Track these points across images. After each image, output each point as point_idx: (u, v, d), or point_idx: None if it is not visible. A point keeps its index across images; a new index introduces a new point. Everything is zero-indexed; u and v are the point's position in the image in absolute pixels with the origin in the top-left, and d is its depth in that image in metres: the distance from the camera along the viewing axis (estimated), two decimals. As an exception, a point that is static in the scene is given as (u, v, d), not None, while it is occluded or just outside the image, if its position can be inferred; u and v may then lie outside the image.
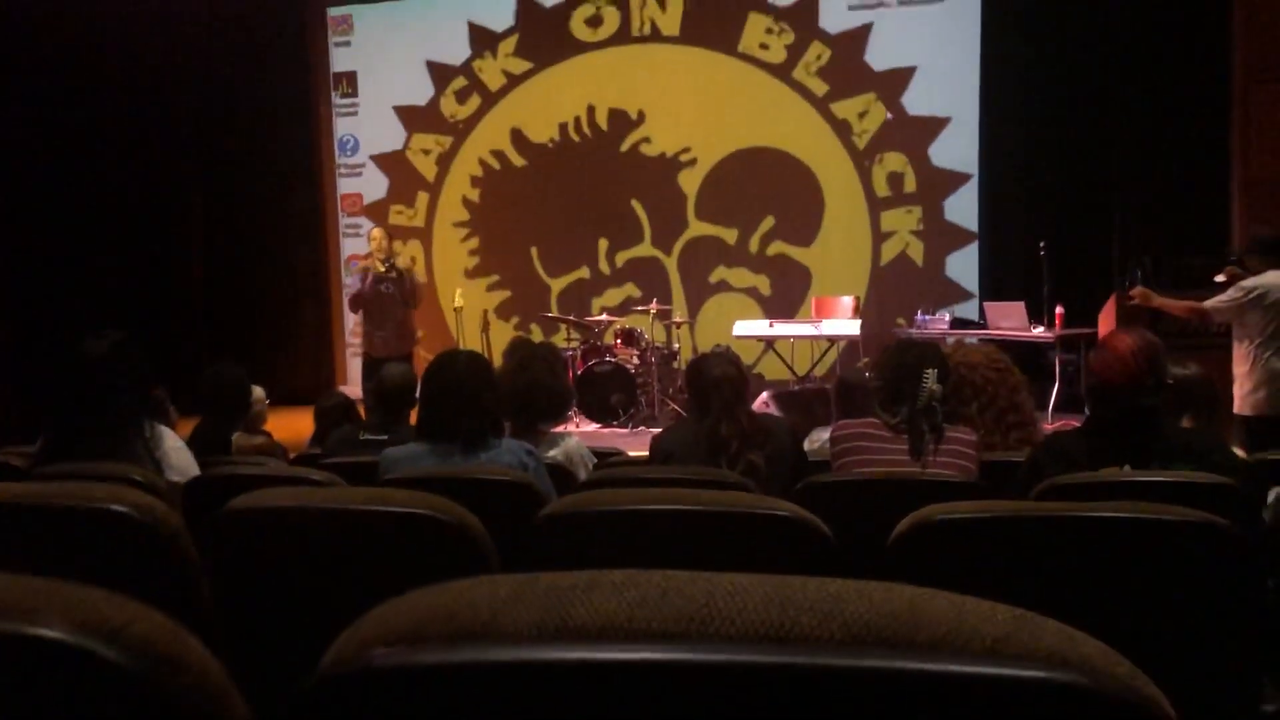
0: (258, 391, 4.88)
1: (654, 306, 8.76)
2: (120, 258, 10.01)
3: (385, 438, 3.75)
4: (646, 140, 10.54)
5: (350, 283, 7.94)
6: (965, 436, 2.92)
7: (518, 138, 10.85)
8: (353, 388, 8.79)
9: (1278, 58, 8.11)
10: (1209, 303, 5.27)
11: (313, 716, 0.63)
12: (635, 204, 10.58)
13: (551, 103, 10.74)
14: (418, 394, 3.26)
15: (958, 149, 9.73)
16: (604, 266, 10.71)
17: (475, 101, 10.94)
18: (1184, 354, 4.25)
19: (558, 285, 10.82)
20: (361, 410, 5.97)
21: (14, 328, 8.94)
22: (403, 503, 1.68)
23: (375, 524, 1.70)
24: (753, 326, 8.81)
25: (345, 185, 11.33)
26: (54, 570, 0.71)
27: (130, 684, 0.64)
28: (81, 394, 2.92)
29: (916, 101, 9.85)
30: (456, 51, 10.92)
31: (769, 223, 10.25)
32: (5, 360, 8.83)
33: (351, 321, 8.20)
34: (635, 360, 8.37)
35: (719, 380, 3.15)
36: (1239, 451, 3.02)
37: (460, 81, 10.95)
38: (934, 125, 9.81)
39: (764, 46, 10.21)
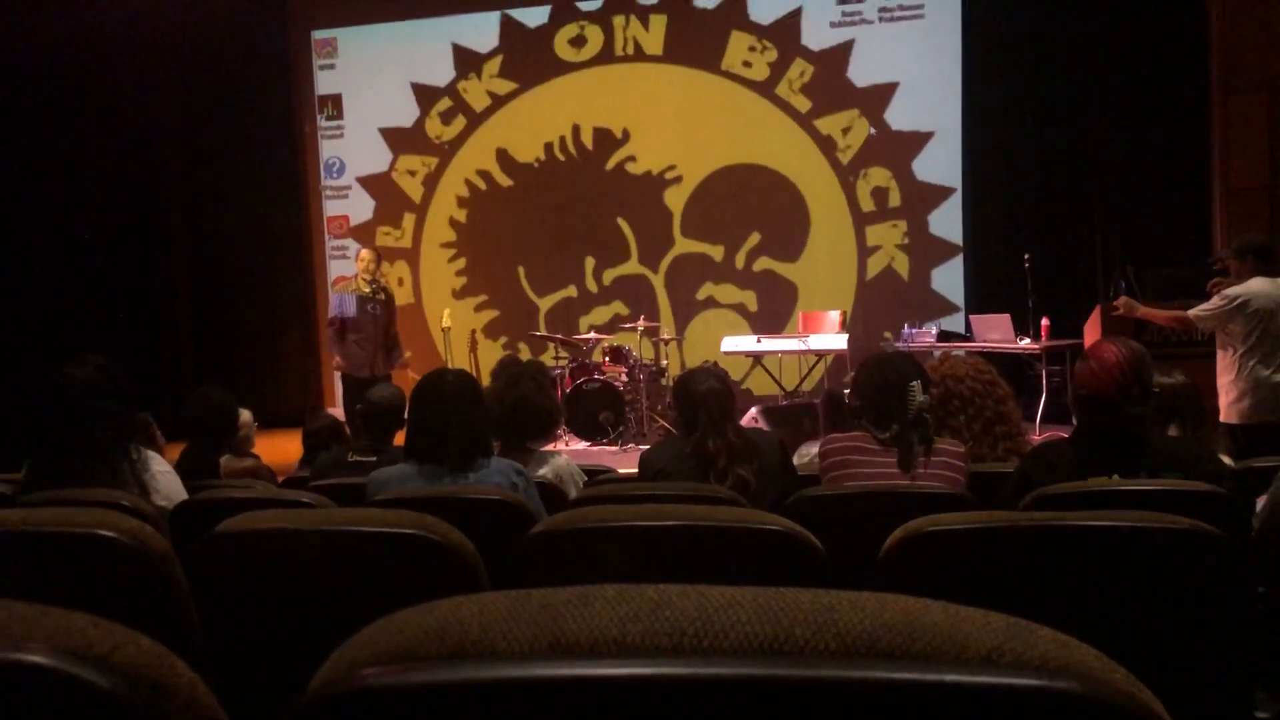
0: (245, 414, 4.85)
1: (641, 324, 8.76)
2: (105, 282, 9.98)
3: (374, 459, 3.74)
4: (632, 159, 10.58)
5: (333, 302, 7.88)
6: (954, 448, 2.92)
7: (503, 158, 10.87)
8: (337, 410, 8.75)
9: (1254, 67, 8.18)
10: (1193, 312, 5.30)
11: (303, 738, 0.63)
12: (621, 222, 10.60)
13: (536, 123, 10.77)
14: (406, 415, 3.25)
15: (941, 163, 9.80)
16: (591, 285, 10.72)
17: (460, 122, 10.96)
18: (1169, 363, 4.27)
19: (545, 304, 10.82)
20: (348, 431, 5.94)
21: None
22: (391, 523, 1.67)
23: (364, 545, 1.69)
24: (740, 342, 8.83)
25: (331, 207, 11.33)
26: (41, 596, 0.70)
27: (117, 709, 0.63)
28: (65, 419, 2.90)
29: (899, 116, 9.91)
30: (441, 73, 10.96)
31: (755, 239, 10.28)
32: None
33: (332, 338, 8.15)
34: (623, 378, 8.36)
35: (705, 395, 3.14)
36: (1225, 459, 3.03)
37: (445, 103, 10.97)
38: (917, 140, 9.87)
39: (747, 64, 10.26)
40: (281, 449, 7.02)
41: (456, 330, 9.09)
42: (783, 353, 8.81)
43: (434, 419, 2.88)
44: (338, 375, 8.30)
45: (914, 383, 2.91)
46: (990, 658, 0.57)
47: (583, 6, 10.65)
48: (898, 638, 0.58)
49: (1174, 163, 8.80)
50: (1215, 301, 5.19)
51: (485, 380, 3.69)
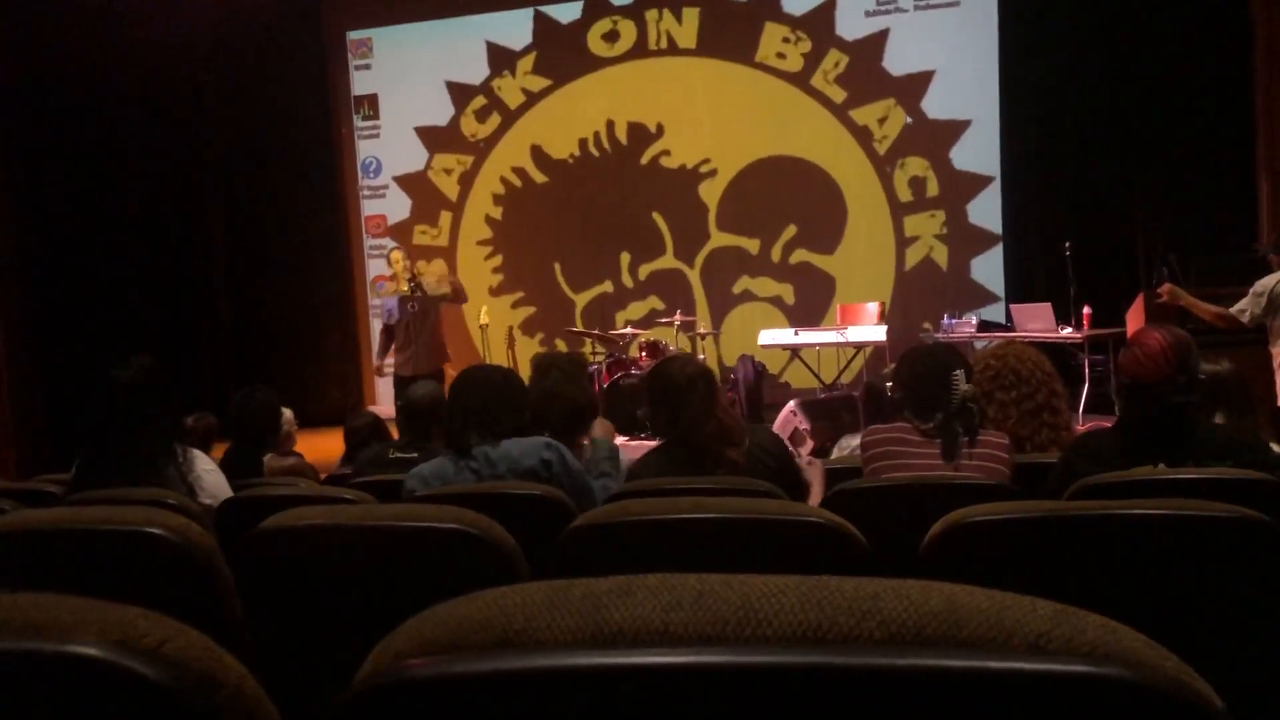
0: (286, 413, 4.90)
1: (678, 318, 8.75)
2: (147, 285, 10.12)
3: (415, 455, 3.76)
4: (666, 153, 10.56)
5: (378, 306, 7.95)
6: (998, 440, 2.88)
7: (538, 154, 10.90)
8: (384, 407, 8.84)
9: (1301, 49, 8.03)
10: (1234, 308, 5.34)
11: (350, 729, 0.63)
12: (656, 216, 10.59)
13: (571, 118, 10.79)
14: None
15: (979, 151, 9.70)
16: (627, 280, 10.73)
17: (495, 120, 11.00)
18: (1215, 350, 4.21)
19: (581, 300, 10.84)
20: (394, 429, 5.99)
21: (45, 357, 9.04)
22: (432, 518, 1.68)
23: (406, 540, 1.70)
24: (778, 335, 8.78)
25: (369, 207, 11.41)
26: (90, 592, 0.71)
27: (167, 700, 0.64)
28: (112, 420, 2.94)
29: (936, 105, 9.82)
30: (475, 71, 11.00)
31: (791, 231, 10.23)
32: (37, 389, 8.93)
33: (378, 343, 8.31)
34: (660, 373, 8.34)
35: (693, 379, 2.96)
36: (1276, 447, 2.97)
37: (480, 100, 11.01)
38: (954, 128, 9.78)
39: (781, 55, 10.21)
40: (322, 447, 7.08)
41: (494, 327, 9.14)
42: (821, 345, 8.75)
43: (448, 410, 2.92)
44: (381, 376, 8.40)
45: (957, 372, 2.87)
46: (1037, 644, 0.56)
47: (615, 1, 10.64)
48: (943, 625, 0.57)
49: (1217, 147, 8.65)
50: (1249, 295, 5.26)
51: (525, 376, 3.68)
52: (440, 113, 11.11)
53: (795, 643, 0.57)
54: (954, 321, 8.65)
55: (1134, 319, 6.93)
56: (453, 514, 1.67)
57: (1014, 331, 8.13)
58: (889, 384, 3.63)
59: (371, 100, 11.32)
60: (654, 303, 10.47)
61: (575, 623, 0.60)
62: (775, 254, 10.31)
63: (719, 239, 10.49)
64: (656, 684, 0.58)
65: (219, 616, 1.61)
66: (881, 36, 9.94)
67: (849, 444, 4.30)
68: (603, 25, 10.67)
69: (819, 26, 10.10)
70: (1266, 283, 5.23)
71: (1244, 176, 8.48)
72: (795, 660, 0.57)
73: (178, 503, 2.40)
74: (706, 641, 0.58)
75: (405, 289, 7.77)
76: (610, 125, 10.70)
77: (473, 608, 0.64)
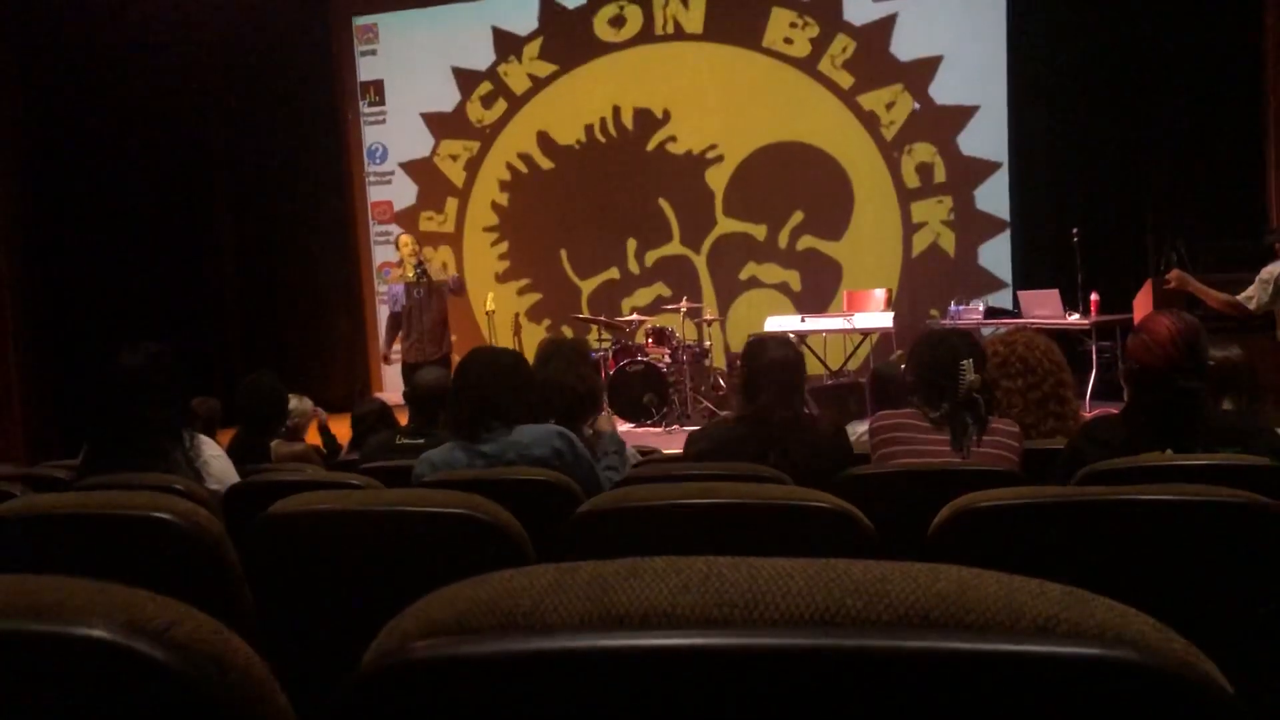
0: (307, 402, 4.92)
1: (684, 305, 8.74)
2: (155, 271, 10.11)
3: (422, 441, 3.76)
4: (672, 139, 10.54)
5: (385, 294, 8.05)
6: (1008, 428, 2.86)
7: (544, 140, 10.88)
8: (391, 393, 8.87)
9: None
10: (1241, 295, 5.34)
11: (356, 710, 0.63)
12: (663, 203, 10.57)
13: (577, 104, 10.76)
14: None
15: (987, 137, 9.65)
16: (633, 266, 10.72)
17: (501, 106, 10.98)
18: (1224, 336, 4.20)
19: (588, 286, 10.83)
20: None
21: (52, 343, 9.06)
22: (439, 503, 1.68)
23: (413, 525, 1.70)
24: (784, 322, 8.77)
25: (375, 193, 11.41)
26: (99, 577, 0.71)
27: (175, 682, 0.64)
28: (119, 406, 2.95)
29: (944, 91, 9.78)
30: (481, 57, 10.98)
31: (798, 217, 10.21)
32: (45, 375, 8.96)
33: (385, 330, 8.45)
34: (666, 359, 8.36)
35: (777, 364, 3.03)
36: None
37: (486, 86, 10.99)
38: (962, 114, 9.73)
39: (788, 41, 10.17)
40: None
41: (500, 314, 9.13)
42: (827, 332, 8.75)
43: (453, 395, 2.92)
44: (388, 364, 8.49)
45: (965, 361, 2.85)
46: (1045, 627, 0.56)
47: (621, -14, 10.62)
48: (951, 608, 0.57)
49: (1225, 133, 8.60)
50: (1256, 282, 5.27)
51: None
52: (446, 99, 11.09)
53: (803, 625, 0.57)
54: (961, 308, 8.63)
55: (1141, 305, 6.91)
56: (460, 499, 1.67)
57: (1021, 318, 8.11)
58: (904, 368, 3.61)
59: (377, 86, 11.31)
60: (660, 289, 10.47)
61: (582, 605, 0.60)
62: (782, 240, 10.29)
63: (725, 225, 10.48)
64: (663, 666, 0.58)
65: (227, 600, 1.62)
66: (889, 21, 9.89)
67: (856, 430, 4.28)
68: (609, 10, 10.64)
69: (826, 11, 10.06)
70: (1273, 270, 5.23)
71: (1252, 163, 8.43)
72: (803, 642, 0.57)
73: (185, 488, 2.40)
74: (714, 624, 0.58)
75: (411, 275, 7.79)
76: (617, 111, 10.68)
77: (480, 590, 0.64)
